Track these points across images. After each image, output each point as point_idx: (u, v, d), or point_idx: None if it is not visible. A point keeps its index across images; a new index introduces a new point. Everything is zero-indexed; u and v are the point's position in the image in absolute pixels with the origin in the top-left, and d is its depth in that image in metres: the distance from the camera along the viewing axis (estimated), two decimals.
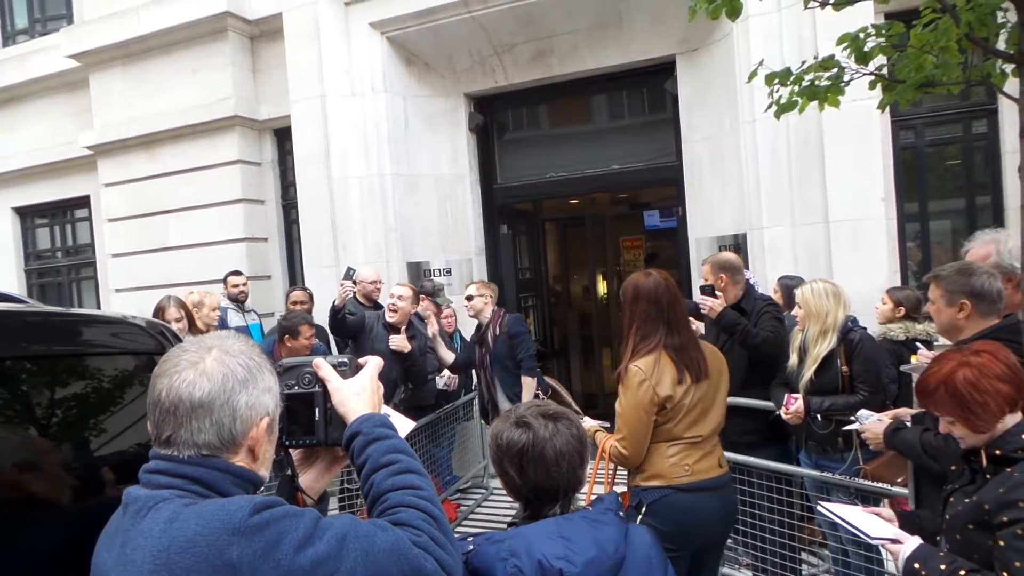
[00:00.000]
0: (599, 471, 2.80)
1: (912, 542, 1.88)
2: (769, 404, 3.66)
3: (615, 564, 1.38)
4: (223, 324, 5.71)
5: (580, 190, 7.26)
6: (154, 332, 1.82)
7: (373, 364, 1.35)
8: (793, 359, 3.67)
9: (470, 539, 1.42)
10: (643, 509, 2.63)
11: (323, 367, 1.30)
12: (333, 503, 4.48)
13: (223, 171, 7.15)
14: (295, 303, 5.69)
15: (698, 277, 5.13)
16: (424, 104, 6.61)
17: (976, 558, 1.74)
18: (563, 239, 9.99)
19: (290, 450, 1.32)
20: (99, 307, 8.09)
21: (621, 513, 1.48)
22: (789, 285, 4.34)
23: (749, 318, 3.80)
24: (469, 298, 4.93)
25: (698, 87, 5.82)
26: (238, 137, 7.09)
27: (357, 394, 1.28)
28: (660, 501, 2.60)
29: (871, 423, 2.90)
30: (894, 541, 1.94)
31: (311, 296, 5.90)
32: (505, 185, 6.91)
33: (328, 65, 6.31)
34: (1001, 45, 2.43)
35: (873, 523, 2.09)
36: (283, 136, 7.18)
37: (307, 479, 1.35)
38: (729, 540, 3.80)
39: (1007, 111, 4.90)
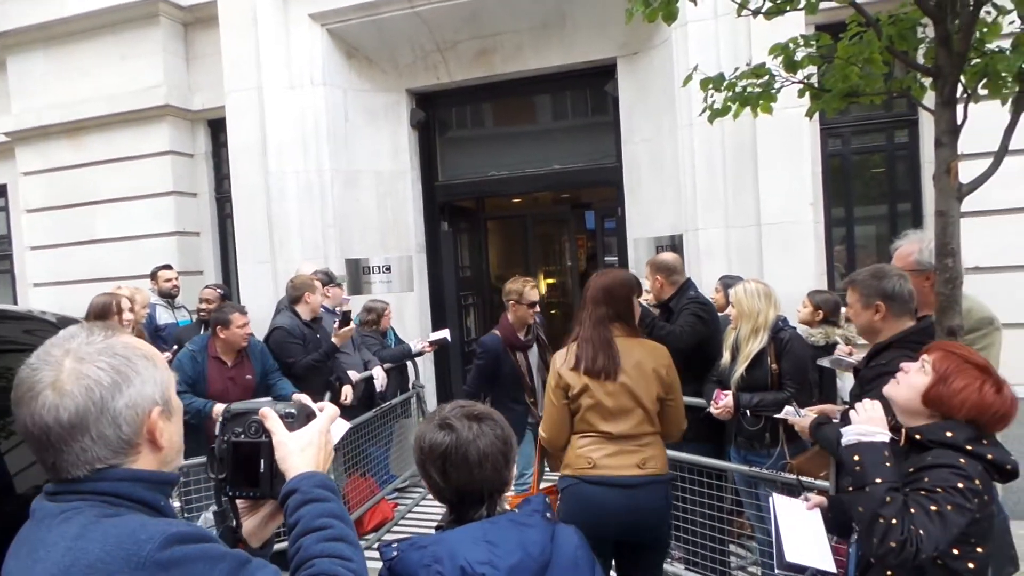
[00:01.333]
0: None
1: (872, 436, 1.92)
2: (700, 401, 3.75)
3: (541, 567, 1.37)
4: (151, 322, 5.50)
5: (522, 189, 7.29)
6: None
7: (325, 416, 1.29)
8: (726, 357, 3.78)
9: (394, 545, 1.39)
10: (559, 496, 2.78)
11: (269, 417, 1.24)
12: None
13: (154, 162, 6.90)
14: (204, 301, 5.44)
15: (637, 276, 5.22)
16: (365, 99, 6.52)
17: None
18: (505, 238, 10.01)
19: (233, 499, 1.27)
20: (15, 302, 7.68)
21: (549, 515, 1.47)
22: (729, 285, 4.45)
23: (672, 315, 3.91)
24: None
25: (638, 90, 5.92)
26: (169, 127, 6.85)
27: (302, 449, 1.21)
28: (568, 489, 2.73)
29: (800, 419, 3.02)
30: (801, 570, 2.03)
31: (224, 296, 5.67)
32: (447, 182, 6.88)
33: (266, 56, 6.15)
34: (920, 59, 2.55)
35: (800, 545, 2.18)
36: (217, 127, 6.97)
37: (250, 525, 1.29)
38: None
39: (927, 122, 5.15)
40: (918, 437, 1.92)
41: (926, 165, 5.28)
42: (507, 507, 1.50)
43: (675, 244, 5.66)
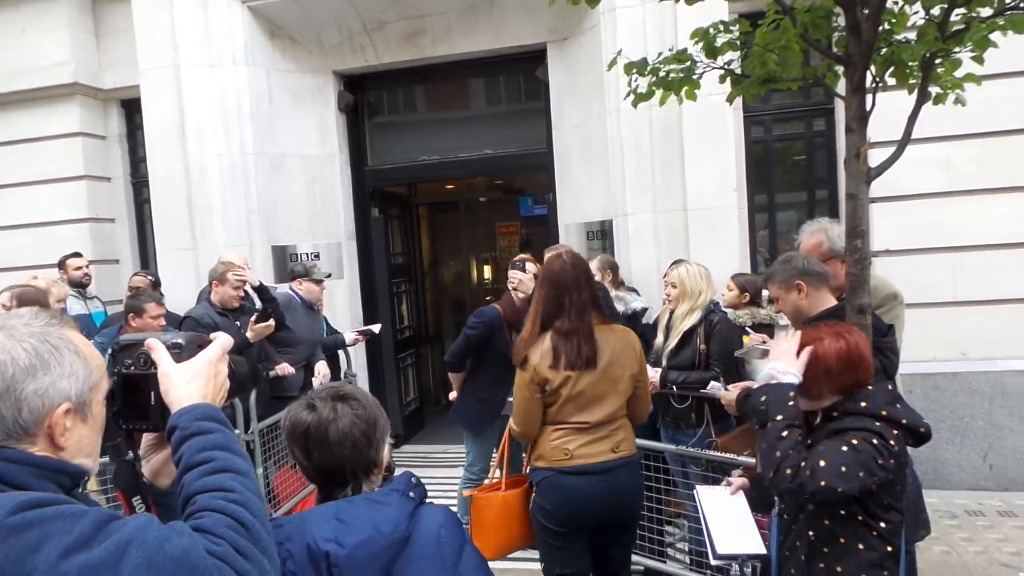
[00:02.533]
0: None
1: (781, 375, 2.01)
2: None
3: (393, 544, 1.35)
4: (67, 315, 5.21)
5: (453, 174, 7.23)
6: None
7: (217, 345, 1.23)
8: (660, 338, 3.86)
9: None
10: (534, 488, 2.77)
11: (155, 348, 1.18)
12: None
13: (62, 144, 6.51)
14: (132, 289, 5.21)
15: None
16: (290, 80, 6.31)
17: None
18: (437, 224, 9.92)
19: (131, 433, 1.23)
20: None
21: (412, 494, 1.44)
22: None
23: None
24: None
25: (568, 76, 5.93)
26: (79, 107, 6.47)
27: (186, 382, 1.16)
28: (544, 481, 2.71)
29: (728, 392, 3.12)
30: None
31: (155, 282, 5.45)
32: (376, 167, 6.75)
33: (182, 33, 5.87)
34: (833, 47, 2.64)
35: (729, 535, 2.28)
36: (132, 108, 6.62)
37: (156, 463, 1.25)
38: None
39: (842, 111, 5.36)
40: (835, 414, 2.00)
41: (842, 152, 5.49)
42: (375, 487, 1.49)
43: (605, 229, 5.73)
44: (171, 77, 5.91)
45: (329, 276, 5.78)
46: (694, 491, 2.78)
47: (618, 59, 2.77)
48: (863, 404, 1.96)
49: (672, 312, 3.84)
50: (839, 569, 1.94)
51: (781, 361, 2.03)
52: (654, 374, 3.66)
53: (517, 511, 2.88)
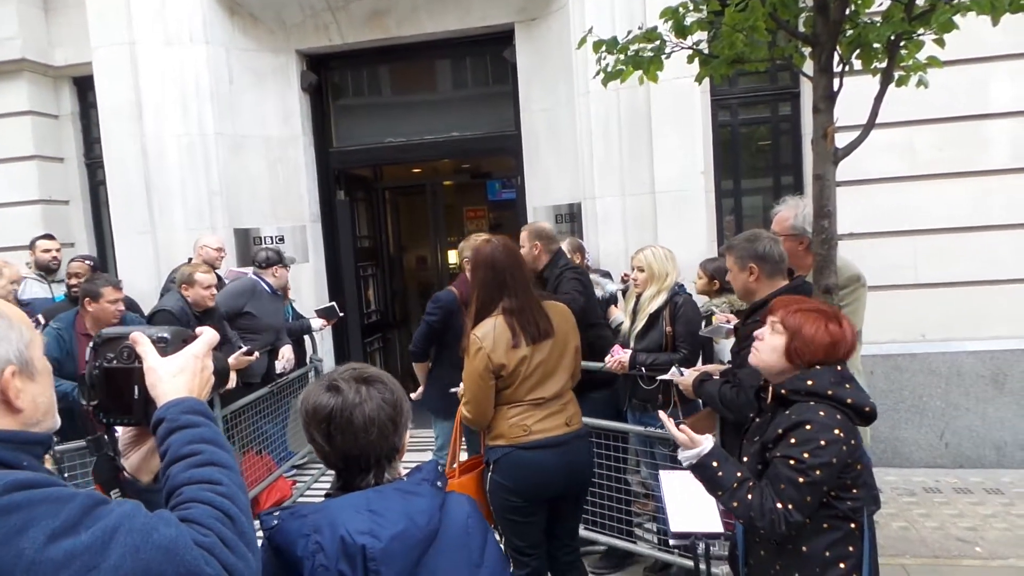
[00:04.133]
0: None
1: (710, 442, 2.09)
2: (596, 364, 3.81)
3: (427, 536, 1.31)
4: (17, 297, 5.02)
5: (419, 156, 7.12)
6: None
7: (203, 340, 1.23)
8: (626, 323, 3.86)
9: (276, 513, 1.31)
10: (491, 467, 2.83)
11: (140, 342, 1.18)
12: None
13: (11, 123, 6.28)
14: (72, 276, 4.95)
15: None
16: (251, 59, 6.14)
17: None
18: (404, 208, 9.81)
19: (114, 428, 1.23)
20: None
21: (440, 483, 1.41)
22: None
23: (547, 284, 3.96)
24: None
25: (536, 58, 5.87)
26: (28, 84, 6.23)
27: (172, 375, 1.16)
28: (503, 458, 2.77)
29: (685, 377, 3.14)
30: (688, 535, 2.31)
31: (94, 267, 5.23)
32: (341, 149, 6.62)
33: (137, 8, 5.66)
34: (801, 28, 2.63)
35: (685, 515, 2.38)
36: (85, 86, 6.39)
37: (136, 459, 1.23)
38: None
39: (808, 95, 5.41)
40: (783, 392, 2.03)
41: (807, 137, 5.53)
42: (398, 475, 1.43)
43: (573, 212, 5.71)
44: (126, 55, 5.71)
45: (293, 261, 5.68)
46: (659, 475, 2.81)
47: (588, 37, 2.73)
48: (809, 383, 2.00)
49: (639, 295, 3.85)
50: (805, 549, 1.98)
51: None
52: (624, 356, 3.68)
53: (472, 494, 2.91)
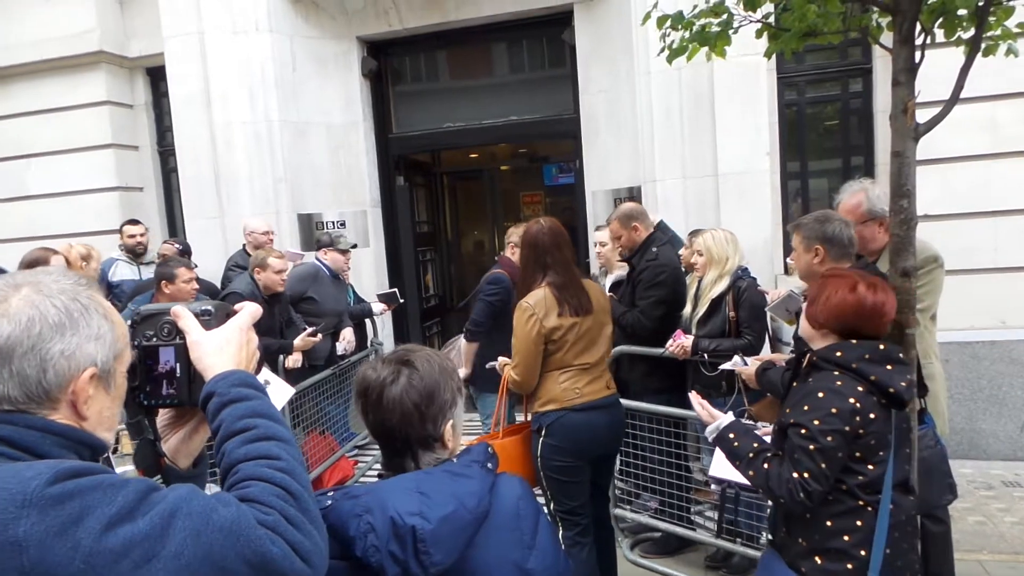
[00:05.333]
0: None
1: (728, 417, 2.20)
2: (657, 349, 3.76)
3: (476, 519, 1.29)
4: (103, 278, 5.27)
5: (478, 141, 7.14)
6: None
7: (246, 313, 1.19)
8: (688, 307, 3.80)
9: (330, 494, 1.32)
10: (543, 432, 2.98)
11: (183, 316, 1.13)
12: None
13: (89, 112, 6.55)
14: (161, 257, 5.21)
15: (595, 229, 5.18)
16: (314, 46, 6.25)
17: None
18: (462, 193, 9.87)
19: (151, 411, 1.16)
20: None
21: (490, 465, 1.39)
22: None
23: (632, 273, 3.90)
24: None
25: (595, 39, 5.79)
26: (105, 75, 6.49)
27: (220, 348, 1.11)
28: (557, 422, 2.95)
29: (747, 366, 3.07)
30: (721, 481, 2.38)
31: (183, 250, 5.48)
32: (401, 135, 6.69)
33: None
34: None
35: (727, 464, 2.34)
36: (157, 76, 6.63)
37: (174, 442, 1.19)
38: (632, 487, 3.97)
39: (881, 70, 5.18)
40: (814, 359, 2.07)
41: (879, 115, 5.31)
42: (443, 458, 1.41)
43: (633, 196, 5.62)
44: (195, 44, 5.88)
45: (355, 246, 5.77)
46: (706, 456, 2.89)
47: (653, 12, 2.66)
48: (838, 354, 2.02)
49: (700, 280, 3.77)
50: (809, 516, 2.01)
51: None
52: (686, 340, 3.62)
53: (515, 457, 3.09)
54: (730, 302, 3.65)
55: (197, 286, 4.22)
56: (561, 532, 3.02)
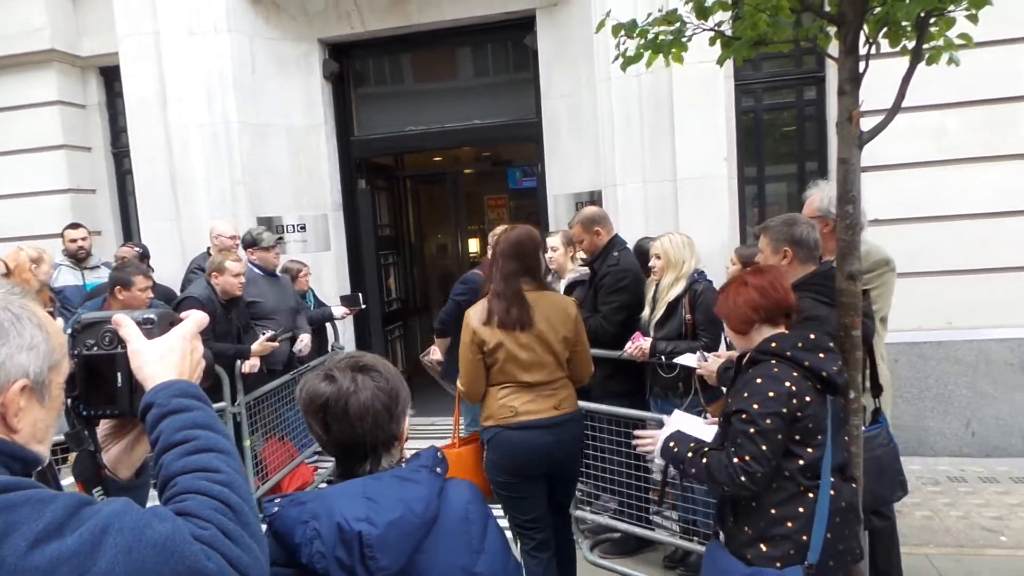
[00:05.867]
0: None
1: (671, 427, 2.34)
2: (615, 352, 3.80)
3: (424, 523, 1.30)
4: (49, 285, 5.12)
5: (440, 144, 7.13)
6: None
7: (191, 321, 1.15)
8: (646, 309, 3.84)
9: (277, 500, 1.31)
10: (486, 446, 3.00)
11: (124, 324, 1.09)
12: None
13: (39, 112, 6.40)
14: (121, 260, 5.07)
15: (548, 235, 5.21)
16: (274, 48, 6.18)
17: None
18: (425, 197, 9.84)
19: (92, 421, 1.13)
20: None
21: (439, 470, 1.40)
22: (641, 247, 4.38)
23: (594, 278, 3.94)
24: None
25: (557, 44, 5.84)
26: (56, 74, 6.34)
27: (161, 357, 1.08)
28: (494, 438, 2.93)
29: (708, 363, 3.12)
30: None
31: (142, 254, 5.38)
32: (363, 137, 6.65)
33: None
34: (826, 7, 2.58)
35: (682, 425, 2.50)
36: (111, 76, 6.49)
37: (115, 452, 1.16)
38: (592, 488, 3.99)
39: (833, 79, 5.31)
40: (752, 355, 2.20)
41: (831, 123, 5.42)
42: (398, 462, 1.42)
43: (594, 200, 5.67)
44: (151, 44, 5.78)
45: (280, 239, 5.63)
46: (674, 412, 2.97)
47: (607, 21, 2.70)
48: (773, 344, 2.15)
49: (657, 283, 3.82)
50: (755, 504, 2.10)
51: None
52: (644, 343, 3.67)
53: (470, 466, 3.13)
54: (687, 305, 3.71)
55: (151, 296, 4.12)
56: (519, 545, 3.02)
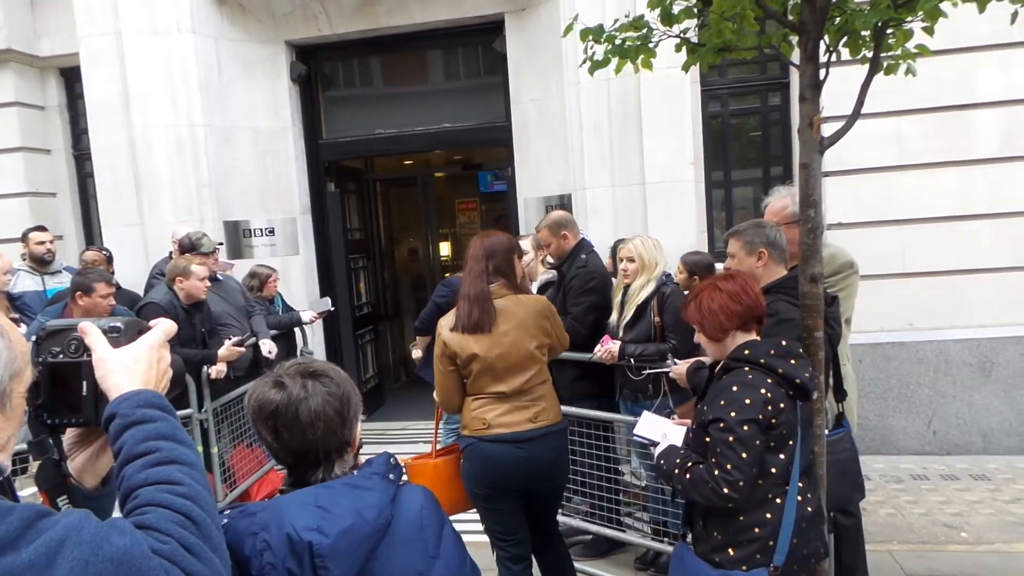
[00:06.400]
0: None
1: (663, 445, 2.33)
2: (585, 355, 3.82)
3: (376, 531, 1.28)
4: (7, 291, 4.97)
5: (410, 148, 7.11)
6: None
7: (159, 330, 1.13)
8: (615, 313, 3.87)
9: (226, 512, 1.28)
10: (463, 455, 2.93)
11: (90, 332, 1.07)
12: None
13: None
14: (89, 263, 5.01)
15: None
16: (240, 49, 6.10)
17: (704, 453, 2.16)
18: (396, 200, 9.78)
19: (56, 430, 1.11)
20: None
21: (392, 476, 1.37)
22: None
23: (563, 281, 3.96)
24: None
25: (526, 48, 5.86)
26: (14, 75, 6.19)
27: (126, 367, 1.06)
28: (468, 449, 2.87)
29: (679, 366, 3.16)
30: (653, 443, 2.43)
31: (109, 257, 5.28)
32: (331, 140, 6.59)
33: None
34: (789, 16, 2.63)
35: (649, 427, 2.55)
36: (72, 76, 6.35)
37: (80, 461, 1.14)
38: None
39: (797, 85, 5.42)
40: (726, 362, 2.20)
41: (796, 127, 5.54)
42: (352, 468, 1.40)
43: (564, 204, 5.70)
44: (112, 45, 5.66)
45: (221, 244, 5.52)
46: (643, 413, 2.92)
47: (574, 25, 2.72)
48: (747, 352, 2.15)
49: (627, 286, 3.85)
50: (726, 511, 2.12)
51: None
52: (613, 346, 3.69)
53: (448, 477, 3.04)
54: (655, 307, 3.74)
55: (113, 302, 4.03)
56: (496, 553, 2.99)
